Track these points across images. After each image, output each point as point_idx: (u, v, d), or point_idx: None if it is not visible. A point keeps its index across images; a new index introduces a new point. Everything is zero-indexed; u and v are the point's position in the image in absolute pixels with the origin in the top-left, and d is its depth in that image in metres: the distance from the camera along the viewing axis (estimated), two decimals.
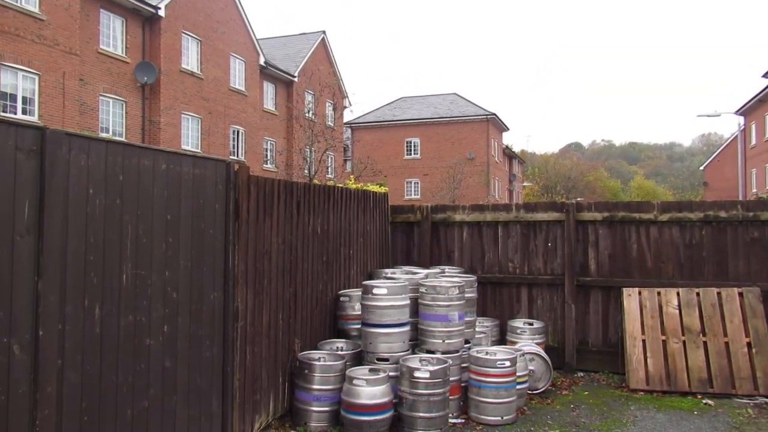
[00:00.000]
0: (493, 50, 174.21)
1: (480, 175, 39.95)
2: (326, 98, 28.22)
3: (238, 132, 24.05)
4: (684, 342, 6.73)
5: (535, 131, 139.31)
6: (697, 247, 7.19)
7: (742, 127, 37.75)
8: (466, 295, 6.13)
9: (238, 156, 23.78)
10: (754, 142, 39.63)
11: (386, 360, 5.57)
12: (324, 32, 32.76)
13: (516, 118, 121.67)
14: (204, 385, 4.23)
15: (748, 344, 6.55)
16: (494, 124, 43.41)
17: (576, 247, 7.60)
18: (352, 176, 13.45)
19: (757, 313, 6.66)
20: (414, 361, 5.43)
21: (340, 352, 5.76)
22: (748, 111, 39.25)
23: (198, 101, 21.44)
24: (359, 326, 5.90)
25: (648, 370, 6.66)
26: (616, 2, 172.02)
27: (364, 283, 5.89)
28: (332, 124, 30.26)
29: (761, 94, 36.89)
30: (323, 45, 32.76)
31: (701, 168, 59.65)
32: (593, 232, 7.61)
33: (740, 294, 6.79)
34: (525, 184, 56.99)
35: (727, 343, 6.62)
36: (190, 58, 21.25)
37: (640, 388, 6.59)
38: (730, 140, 53.51)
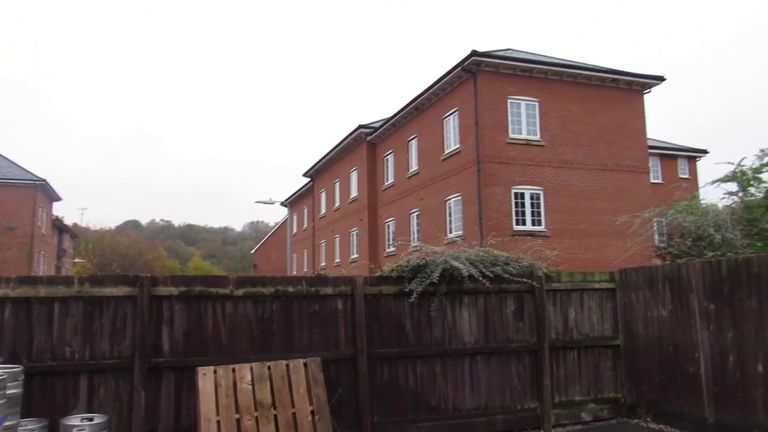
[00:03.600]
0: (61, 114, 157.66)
1: (21, 248, 34.28)
2: None
3: None
4: (257, 418, 6.70)
5: (93, 205, 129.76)
6: (269, 321, 7.43)
7: (286, 217, 43.22)
8: (8, 392, 4.73)
9: None
10: (295, 230, 45.81)
11: None
12: None
13: (72, 189, 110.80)
14: None
15: (312, 412, 6.95)
16: (44, 191, 38.46)
17: (149, 325, 6.89)
18: None
19: (319, 382, 7.17)
20: None
21: None
22: (292, 204, 45.42)
23: None
24: None
25: None
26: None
27: None
28: None
29: (301, 191, 43.34)
30: None
31: (252, 251, 65.55)
32: (168, 308, 7.06)
33: (305, 364, 7.22)
34: (77, 260, 51.65)
35: (294, 414, 6.87)
36: None
37: None
38: (275, 228, 60.72)
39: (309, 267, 40.33)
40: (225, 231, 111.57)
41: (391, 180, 28.01)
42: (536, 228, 20.31)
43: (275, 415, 6.79)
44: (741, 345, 7.33)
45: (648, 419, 8.48)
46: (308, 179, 40.32)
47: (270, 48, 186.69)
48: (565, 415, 8.51)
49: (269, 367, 7.06)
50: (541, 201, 20.66)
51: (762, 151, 13.44)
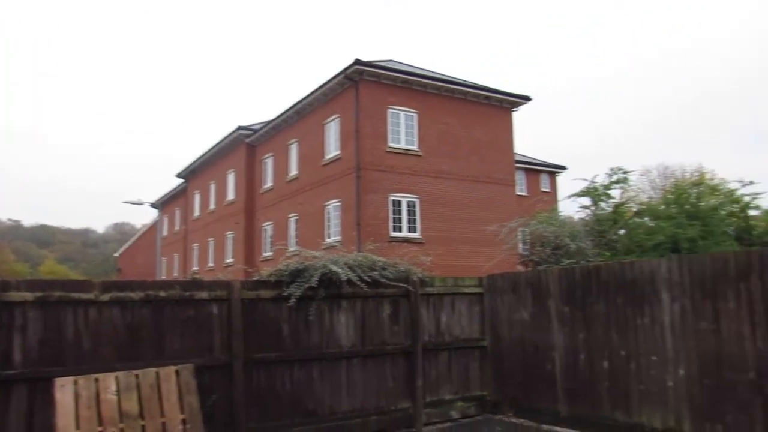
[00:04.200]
0: None
1: None
2: None
3: None
4: (122, 429, 6.32)
5: None
6: (138, 328, 7.04)
7: (156, 219, 41.06)
8: None
9: None
10: (166, 233, 43.61)
11: None
12: None
13: None
14: None
15: (183, 420, 6.69)
16: None
17: None
18: None
19: (191, 389, 6.91)
20: None
21: None
22: (163, 205, 43.19)
23: None
24: None
25: None
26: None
27: None
28: None
29: (174, 192, 41.38)
30: None
31: (116, 255, 61.29)
32: (21, 315, 6.46)
33: (177, 372, 6.94)
34: None
35: (164, 423, 6.57)
36: None
37: None
38: (143, 230, 57.31)
39: (180, 271, 38.55)
40: (85, 232, 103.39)
41: (269, 183, 27.59)
42: (412, 235, 20.98)
43: (143, 426, 6.46)
44: (590, 345, 8.10)
45: (510, 415, 9.10)
46: (182, 180, 38.59)
47: (150, 47, 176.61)
48: (436, 414, 8.89)
49: (137, 376, 6.70)
50: (417, 209, 21.40)
51: (612, 170, 14.95)
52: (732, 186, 14.83)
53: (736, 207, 14.51)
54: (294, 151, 25.47)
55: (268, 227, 27.33)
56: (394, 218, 20.87)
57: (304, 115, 24.67)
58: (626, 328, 7.65)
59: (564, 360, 8.44)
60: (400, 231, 20.84)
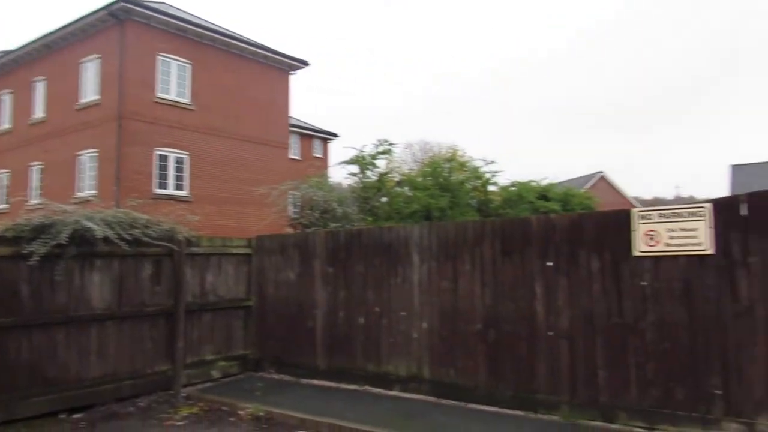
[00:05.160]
0: None
1: None
2: None
3: None
4: None
5: None
6: None
7: None
8: None
9: None
10: None
11: None
12: None
13: None
14: None
15: None
16: None
17: None
18: None
19: None
20: None
21: None
22: None
23: None
24: None
25: None
26: None
27: None
28: None
29: None
30: None
31: None
32: None
33: None
34: None
35: None
36: None
37: None
38: None
39: None
40: None
41: (6, 125, 23.75)
42: (179, 192, 19.96)
43: None
44: (350, 303, 8.70)
45: (272, 371, 9.37)
46: None
47: None
48: (196, 375, 8.76)
49: None
50: (186, 166, 20.38)
51: (379, 141, 15.97)
52: (477, 164, 16.98)
53: (479, 182, 16.67)
54: (41, 89, 22.21)
55: (3, 176, 23.59)
56: (160, 174, 19.59)
57: (55, 50, 21.58)
58: (382, 287, 8.37)
59: (325, 318, 8.93)
60: (166, 188, 19.67)
